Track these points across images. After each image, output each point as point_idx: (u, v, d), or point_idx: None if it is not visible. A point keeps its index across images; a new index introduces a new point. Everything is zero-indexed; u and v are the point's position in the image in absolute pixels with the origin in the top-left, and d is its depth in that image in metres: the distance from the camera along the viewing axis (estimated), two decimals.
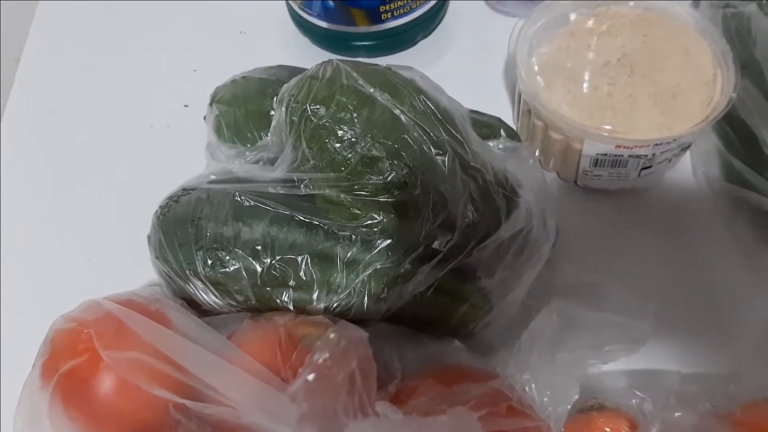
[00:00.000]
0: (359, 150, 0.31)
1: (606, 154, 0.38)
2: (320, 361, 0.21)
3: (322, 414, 0.20)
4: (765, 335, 0.36)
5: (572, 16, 0.43)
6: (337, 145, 0.31)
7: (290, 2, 0.47)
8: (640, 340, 0.33)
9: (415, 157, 0.32)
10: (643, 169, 0.39)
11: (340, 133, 0.31)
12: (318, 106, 0.31)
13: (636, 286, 0.38)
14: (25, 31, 0.54)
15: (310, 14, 0.46)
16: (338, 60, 0.33)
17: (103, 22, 0.53)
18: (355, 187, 0.31)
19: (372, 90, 0.32)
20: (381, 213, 0.32)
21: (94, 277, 0.40)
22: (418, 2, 0.45)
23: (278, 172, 0.33)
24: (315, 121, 0.31)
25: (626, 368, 0.35)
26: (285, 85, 0.33)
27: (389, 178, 0.31)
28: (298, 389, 0.20)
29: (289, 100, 0.32)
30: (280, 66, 0.40)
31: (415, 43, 0.50)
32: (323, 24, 0.46)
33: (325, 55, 0.49)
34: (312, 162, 0.32)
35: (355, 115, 0.31)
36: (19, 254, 0.42)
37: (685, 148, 0.39)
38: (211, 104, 0.40)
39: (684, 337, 0.37)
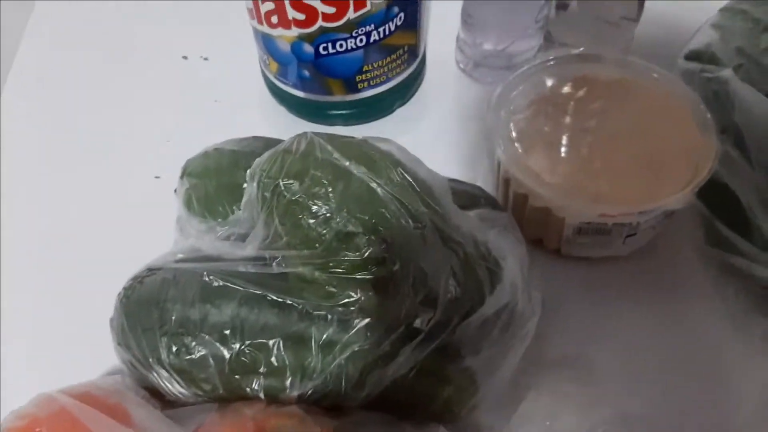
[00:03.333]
0: (334, 225, 0.30)
1: (590, 223, 0.37)
2: None
3: None
4: (760, 406, 0.34)
5: (549, 82, 0.42)
6: (311, 221, 0.30)
7: (265, 71, 0.47)
8: (635, 418, 0.31)
9: (394, 232, 0.30)
10: (627, 236, 0.38)
11: (314, 208, 0.30)
12: (291, 181, 0.30)
13: (626, 357, 0.36)
14: None
15: (285, 84, 0.46)
16: (312, 133, 0.32)
17: (72, 88, 0.53)
18: (331, 264, 0.30)
19: (347, 163, 0.31)
20: (358, 290, 0.30)
21: (55, 363, 0.38)
22: (394, 71, 0.45)
23: (249, 249, 0.32)
24: (288, 196, 0.30)
25: None
26: (257, 159, 0.32)
27: (366, 254, 0.30)
28: None
29: (261, 175, 0.31)
30: (254, 137, 0.39)
31: (392, 111, 0.49)
32: (299, 93, 0.46)
33: (301, 124, 0.49)
34: (285, 239, 0.30)
35: (329, 189, 0.30)
36: None
37: (669, 215, 0.38)
38: (182, 177, 0.38)
39: (678, 410, 0.35)
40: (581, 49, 0.43)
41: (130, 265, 0.34)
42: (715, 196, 0.40)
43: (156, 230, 0.39)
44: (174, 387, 0.30)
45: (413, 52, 0.46)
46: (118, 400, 0.29)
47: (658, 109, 0.40)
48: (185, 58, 0.53)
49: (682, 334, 0.37)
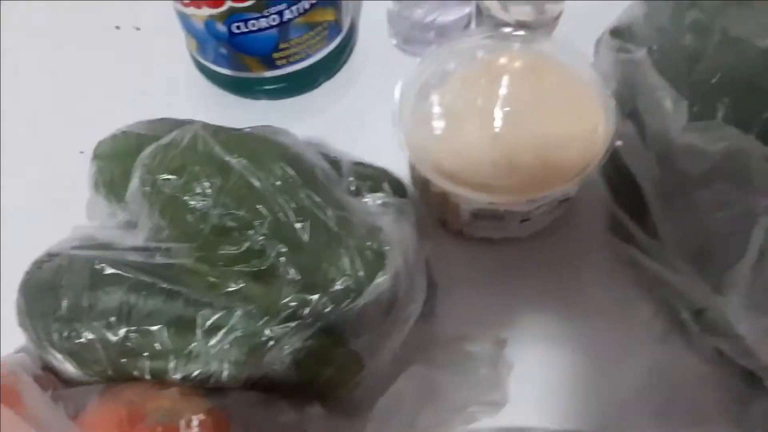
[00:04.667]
0: (211, 221, 0.31)
1: (482, 209, 0.38)
2: None
3: None
4: (638, 390, 0.36)
5: (460, 63, 0.42)
6: (189, 216, 0.31)
7: (188, 48, 0.47)
8: (501, 401, 0.34)
9: (271, 226, 0.31)
10: (522, 221, 0.39)
11: (192, 203, 0.31)
12: (170, 177, 0.31)
13: (513, 338, 0.38)
14: None
15: (206, 60, 0.46)
16: (199, 126, 0.33)
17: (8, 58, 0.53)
18: (210, 257, 0.31)
19: (228, 157, 0.32)
20: (239, 281, 0.32)
21: None
22: (314, 48, 0.45)
23: (139, 238, 0.33)
24: (167, 192, 0.31)
25: (494, 425, 0.35)
26: (142, 153, 0.33)
27: (243, 248, 0.31)
28: None
29: (142, 170, 0.32)
30: (162, 119, 0.40)
31: (318, 85, 0.49)
32: (220, 70, 0.46)
33: (230, 98, 0.49)
34: (167, 231, 0.32)
35: (207, 184, 0.31)
36: None
37: (564, 201, 0.39)
38: (92, 159, 0.39)
39: (556, 392, 0.37)
40: (503, 29, 0.43)
41: (53, 240, 0.35)
42: (620, 182, 0.41)
43: (80, 206, 0.40)
44: (66, 368, 0.32)
45: (335, 28, 0.46)
46: (13, 380, 0.31)
47: (567, 94, 0.40)
48: (118, 28, 0.53)
49: (572, 317, 0.39)
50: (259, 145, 0.33)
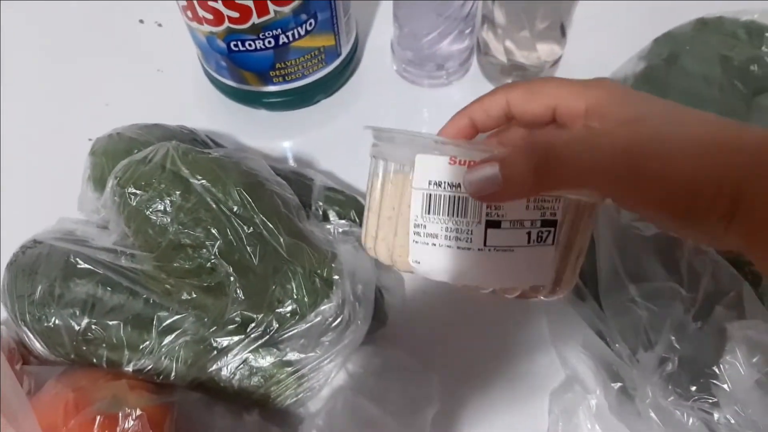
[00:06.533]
0: (169, 236, 0.34)
1: (440, 184, 0.28)
2: None
3: None
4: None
5: None
6: (150, 230, 0.34)
7: (197, 55, 0.50)
8: None
9: (222, 248, 0.34)
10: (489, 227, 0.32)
11: (153, 218, 0.34)
12: (136, 191, 0.34)
13: (456, 374, 0.40)
14: None
15: (210, 69, 0.49)
16: (171, 145, 0.36)
17: (19, 47, 0.56)
18: (166, 268, 0.34)
19: (192, 179, 0.35)
20: (193, 292, 0.35)
21: None
22: (310, 69, 0.47)
23: (111, 239, 0.36)
24: (133, 205, 0.34)
25: None
26: (119, 164, 0.36)
27: (195, 264, 0.34)
28: None
29: (114, 181, 0.35)
30: (155, 125, 0.43)
31: (315, 102, 0.51)
32: (221, 79, 0.49)
33: (233, 106, 0.51)
34: (131, 239, 0.35)
35: (168, 202, 0.34)
36: None
37: None
38: (89, 154, 0.43)
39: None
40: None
41: (49, 221, 0.39)
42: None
43: (76, 193, 0.43)
44: (35, 346, 0.36)
45: (333, 53, 0.48)
46: None
47: None
48: (141, 22, 0.57)
49: (511, 360, 0.41)
50: (223, 170, 0.36)
